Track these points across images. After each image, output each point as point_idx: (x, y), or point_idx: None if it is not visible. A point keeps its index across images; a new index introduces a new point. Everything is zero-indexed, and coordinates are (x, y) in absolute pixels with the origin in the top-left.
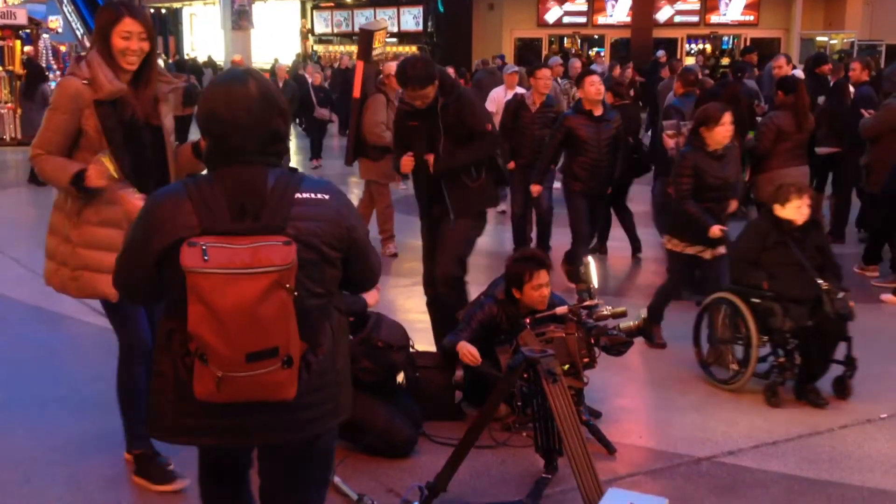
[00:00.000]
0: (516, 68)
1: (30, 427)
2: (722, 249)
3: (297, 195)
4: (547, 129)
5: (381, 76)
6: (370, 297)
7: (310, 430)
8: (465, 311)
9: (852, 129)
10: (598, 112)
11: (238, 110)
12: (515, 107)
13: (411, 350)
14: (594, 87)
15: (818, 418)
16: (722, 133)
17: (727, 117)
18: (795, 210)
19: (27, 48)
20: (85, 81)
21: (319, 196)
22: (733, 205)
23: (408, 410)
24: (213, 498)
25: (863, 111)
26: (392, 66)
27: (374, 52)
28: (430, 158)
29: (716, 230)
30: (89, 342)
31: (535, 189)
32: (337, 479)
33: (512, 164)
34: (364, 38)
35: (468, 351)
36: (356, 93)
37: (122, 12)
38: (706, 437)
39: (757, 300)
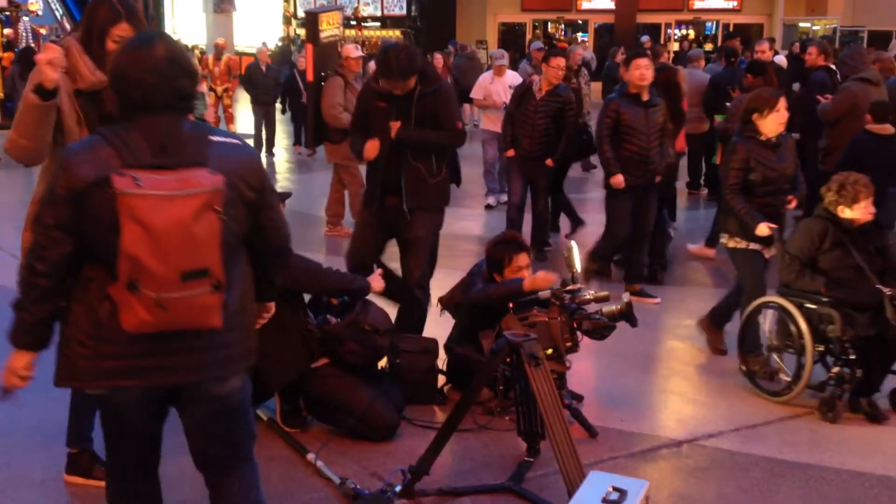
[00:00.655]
0: (505, 59)
1: (10, 411)
2: (774, 250)
3: (212, 138)
4: (550, 120)
5: (340, 59)
6: (376, 282)
7: (225, 371)
8: (466, 280)
9: (809, 114)
10: (646, 97)
11: (144, 72)
12: (521, 93)
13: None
14: (638, 72)
15: (798, 401)
16: (777, 120)
17: (782, 103)
18: (863, 210)
19: (7, 31)
20: (64, 70)
21: (232, 141)
22: (793, 201)
23: (390, 395)
24: (121, 478)
25: (818, 97)
26: (351, 49)
27: (324, 35)
28: (396, 125)
29: (763, 228)
30: None
31: (616, 181)
32: (319, 463)
33: (511, 152)
34: (311, 21)
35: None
36: (309, 76)
37: (121, 16)
38: (687, 421)
39: (812, 306)
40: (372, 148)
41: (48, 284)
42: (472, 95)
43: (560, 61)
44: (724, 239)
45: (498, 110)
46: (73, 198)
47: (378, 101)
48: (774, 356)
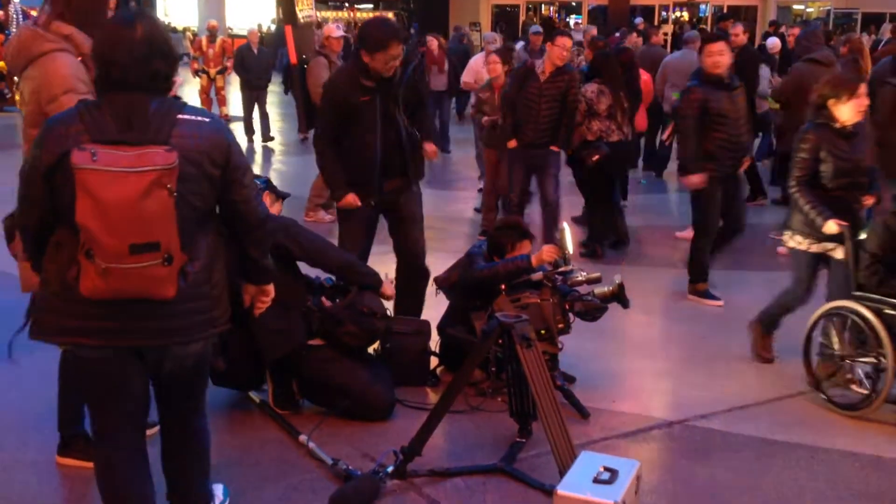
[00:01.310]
0: (498, 43)
1: (2, 393)
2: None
3: (179, 116)
4: (556, 103)
5: (322, 38)
6: (388, 288)
7: (183, 337)
8: (463, 261)
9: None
10: (727, 81)
11: (119, 51)
12: (523, 75)
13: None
14: (711, 59)
15: (789, 382)
16: (857, 107)
17: (863, 88)
18: None
19: None
20: (79, 58)
21: (200, 118)
22: (869, 199)
23: (383, 376)
24: (108, 439)
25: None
26: (332, 28)
27: (302, 15)
28: (432, 149)
29: (832, 225)
30: None
31: (697, 180)
32: (311, 445)
33: (513, 143)
34: (286, 2)
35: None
36: (292, 58)
37: None
38: (678, 402)
39: (892, 312)
40: (354, 200)
41: (27, 246)
42: (463, 79)
43: (566, 41)
44: (785, 237)
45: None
46: (45, 169)
47: (362, 96)
48: (848, 364)
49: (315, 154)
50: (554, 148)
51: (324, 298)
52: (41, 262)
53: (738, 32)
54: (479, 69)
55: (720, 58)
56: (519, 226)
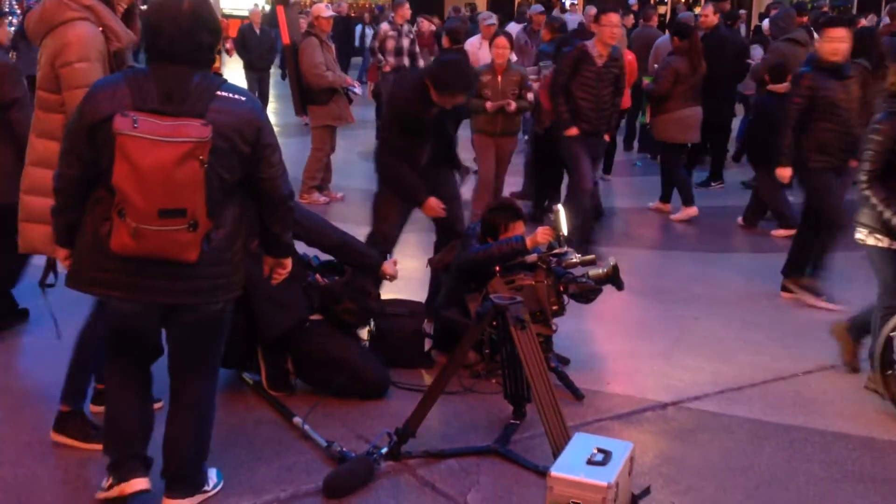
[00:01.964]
0: (494, 20)
1: (8, 367)
2: None
3: (219, 92)
4: (614, 88)
5: (311, 18)
6: (390, 267)
7: (202, 298)
8: (454, 246)
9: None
10: (842, 69)
11: (166, 21)
12: (576, 59)
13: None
14: (831, 45)
15: (783, 364)
16: None
17: None
18: None
19: None
20: (100, 28)
21: (237, 97)
22: None
23: (376, 358)
24: (116, 373)
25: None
26: (321, 8)
27: None
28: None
29: None
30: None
31: (784, 174)
32: (306, 427)
33: (575, 130)
34: None
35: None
36: (284, 39)
37: None
38: (672, 384)
39: None
40: (437, 205)
41: (63, 201)
42: None
43: (614, 18)
44: (859, 234)
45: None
46: (89, 129)
47: (429, 113)
48: None
49: (381, 166)
50: (606, 137)
51: (318, 276)
52: (66, 220)
53: (708, 13)
54: (476, 51)
55: (840, 45)
56: (512, 206)
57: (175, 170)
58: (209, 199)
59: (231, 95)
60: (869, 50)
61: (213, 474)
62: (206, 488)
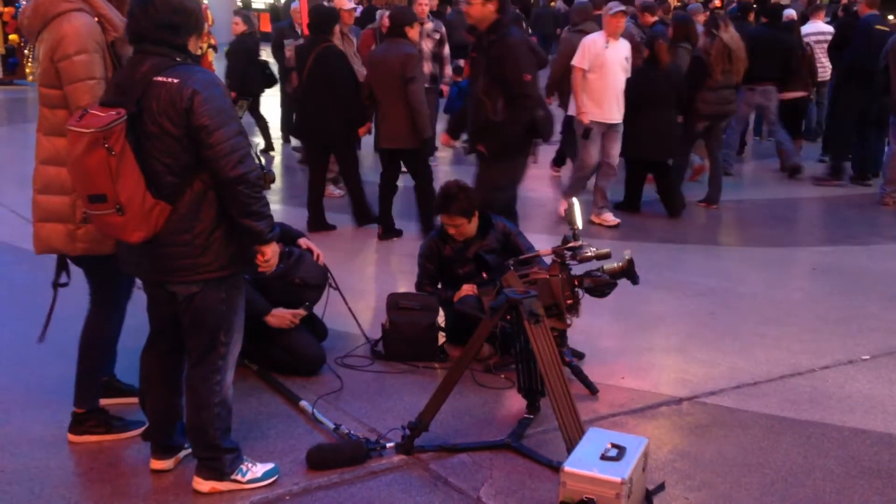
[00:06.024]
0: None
1: (10, 367)
2: None
3: (156, 78)
4: None
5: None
6: (305, 241)
7: (171, 276)
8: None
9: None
10: None
11: (134, 6)
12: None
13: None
14: None
15: (799, 359)
16: None
17: None
18: None
19: None
20: (96, 18)
21: (170, 80)
22: None
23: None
24: (154, 327)
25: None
26: (344, 1)
27: None
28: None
29: None
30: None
31: None
32: (314, 410)
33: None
34: None
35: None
36: (305, 30)
37: None
38: (687, 378)
39: None
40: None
41: None
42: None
43: None
44: None
45: None
46: None
47: (473, 51)
48: None
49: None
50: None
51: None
52: None
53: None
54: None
55: None
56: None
57: (84, 158)
58: (155, 182)
59: (165, 79)
60: None
61: (257, 469)
62: (236, 477)
